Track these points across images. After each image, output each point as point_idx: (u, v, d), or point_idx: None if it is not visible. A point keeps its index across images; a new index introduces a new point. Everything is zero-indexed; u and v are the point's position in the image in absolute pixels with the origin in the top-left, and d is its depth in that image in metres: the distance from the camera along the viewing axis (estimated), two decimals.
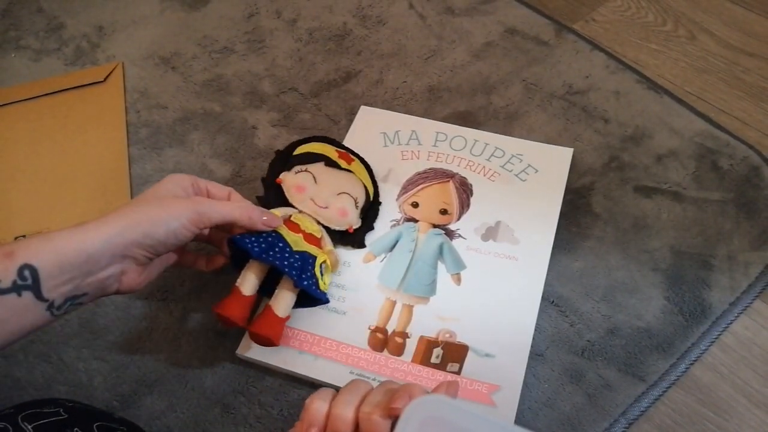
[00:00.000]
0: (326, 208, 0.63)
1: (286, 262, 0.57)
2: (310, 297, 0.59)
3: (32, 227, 0.72)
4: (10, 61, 0.91)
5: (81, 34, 0.94)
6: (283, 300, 0.58)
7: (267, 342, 0.57)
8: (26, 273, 0.43)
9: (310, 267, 0.59)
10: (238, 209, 0.54)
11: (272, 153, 0.69)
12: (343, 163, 0.67)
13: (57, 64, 0.90)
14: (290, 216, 0.62)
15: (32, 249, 0.44)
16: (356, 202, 0.65)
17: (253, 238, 0.58)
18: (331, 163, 0.66)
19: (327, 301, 0.61)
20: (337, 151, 0.68)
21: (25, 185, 0.77)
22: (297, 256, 0.58)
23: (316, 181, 0.64)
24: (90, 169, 0.77)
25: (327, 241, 0.62)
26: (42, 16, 0.97)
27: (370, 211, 0.67)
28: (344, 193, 0.65)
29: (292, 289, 0.58)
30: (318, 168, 0.66)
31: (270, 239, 0.58)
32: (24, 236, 0.71)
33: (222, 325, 0.59)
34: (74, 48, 0.92)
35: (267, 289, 0.59)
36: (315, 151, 0.67)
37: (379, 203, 0.69)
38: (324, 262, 0.61)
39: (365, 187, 0.67)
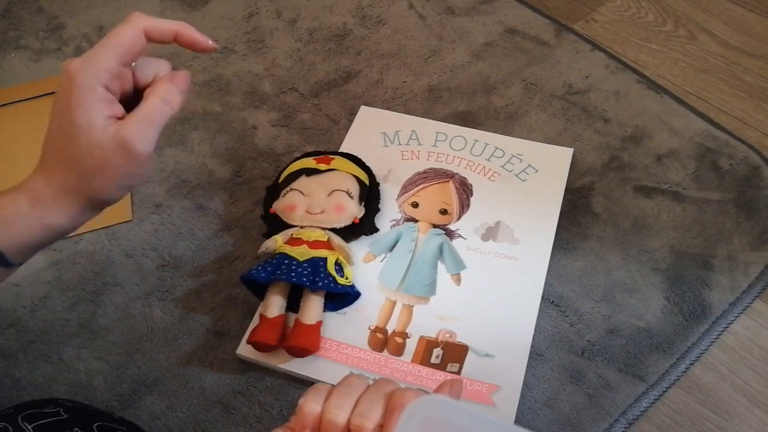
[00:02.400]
0: (323, 212, 0.64)
1: (293, 274, 0.59)
2: (340, 295, 0.61)
3: None
4: (10, 61, 0.91)
5: (81, 34, 0.94)
6: (309, 309, 0.59)
7: (303, 352, 0.58)
8: None
9: (322, 269, 0.60)
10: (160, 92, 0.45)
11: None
12: (322, 166, 0.67)
13: (57, 64, 0.90)
14: (291, 234, 0.63)
15: None
16: (350, 194, 0.65)
17: (259, 267, 0.61)
18: (311, 171, 0.67)
19: (357, 294, 0.62)
20: (314, 158, 0.69)
21: None
22: (305, 264, 0.60)
23: (304, 194, 0.65)
24: None
25: (336, 240, 0.63)
26: (42, 16, 0.97)
27: (370, 195, 0.67)
28: (335, 190, 0.65)
29: (316, 295, 0.60)
30: (301, 182, 0.66)
31: (275, 261, 0.61)
32: None
33: (261, 352, 0.59)
34: (74, 48, 0.92)
35: (297, 305, 0.61)
36: (294, 169, 0.68)
37: (378, 184, 0.69)
38: (337, 259, 0.62)
39: (355, 176, 0.67)
